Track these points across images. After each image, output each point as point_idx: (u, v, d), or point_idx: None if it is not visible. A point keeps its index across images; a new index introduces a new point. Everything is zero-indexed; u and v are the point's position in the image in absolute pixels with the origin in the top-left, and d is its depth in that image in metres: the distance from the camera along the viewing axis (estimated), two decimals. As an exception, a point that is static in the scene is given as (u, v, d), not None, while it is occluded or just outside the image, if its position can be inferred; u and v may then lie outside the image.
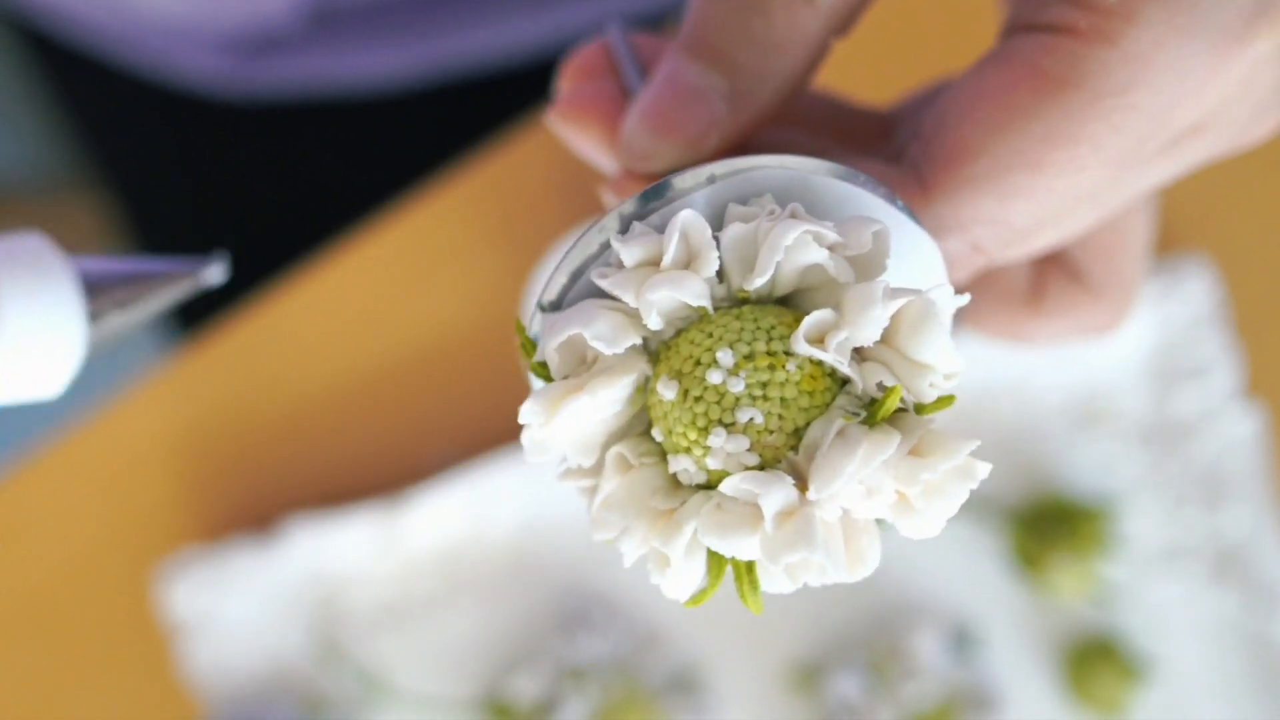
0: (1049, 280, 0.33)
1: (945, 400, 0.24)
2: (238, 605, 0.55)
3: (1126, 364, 0.53)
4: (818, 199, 0.25)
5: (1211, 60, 0.26)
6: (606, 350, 0.24)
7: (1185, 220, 0.54)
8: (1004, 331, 0.33)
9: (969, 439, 0.23)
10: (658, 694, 0.53)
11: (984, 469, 0.23)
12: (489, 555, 0.55)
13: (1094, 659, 0.52)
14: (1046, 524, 0.52)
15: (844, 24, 0.29)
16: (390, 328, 0.56)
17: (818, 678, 0.53)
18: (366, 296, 0.57)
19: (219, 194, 0.70)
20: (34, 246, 0.29)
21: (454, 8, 0.63)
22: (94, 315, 0.30)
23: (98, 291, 0.30)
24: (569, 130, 0.30)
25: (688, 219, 0.24)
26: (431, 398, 0.55)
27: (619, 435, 0.25)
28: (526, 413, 0.24)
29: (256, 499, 0.56)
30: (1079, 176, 0.27)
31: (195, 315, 0.66)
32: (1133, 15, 0.26)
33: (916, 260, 0.26)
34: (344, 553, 0.54)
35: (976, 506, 0.53)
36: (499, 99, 0.63)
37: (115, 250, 0.79)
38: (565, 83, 0.30)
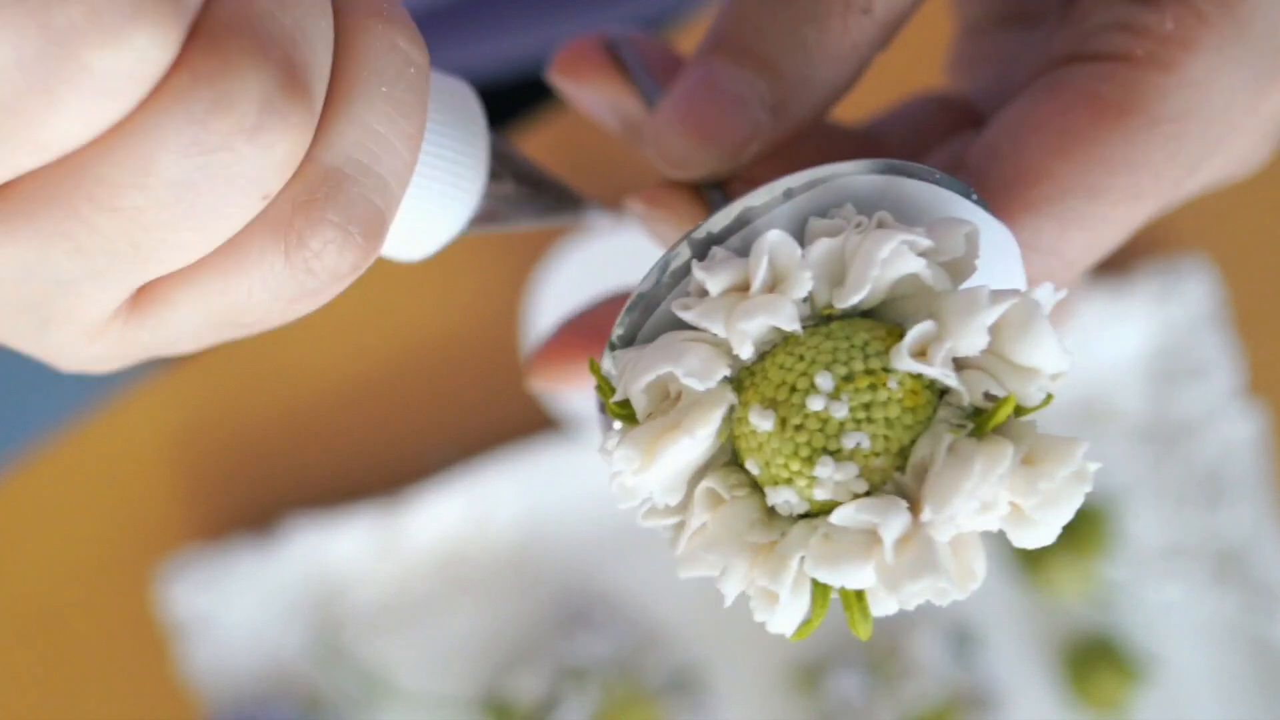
0: None
1: (1045, 400, 0.23)
2: (238, 605, 0.55)
3: (1126, 364, 0.53)
4: (894, 205, 0.24)
5: (1255, 92, 0.26)
6: (699, 386, 0.23)
7: (1185, 220, 0.54)
8: None
9: (1079, 441, 0.22)
10: (658, 694, 0.53)
11: (1094, 468, 0.22)
12: (489, 555, 0.55)
13: (1094, 659, 0.52)
14: (1047, 524, 0.52)
15: (891, 40, 0.29)
16: (390, 328, 0.56)
17: (818, 678, 0.53)
18: (367, 297, 0.57)
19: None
20: (460, 89, 0.26)
21: (462, 20, 0.63)
22: (495, 175, 0.27)
23: (504, 161, 0.27)
24: (571, 83, 0.30)
25: (775, 239, 0.23)
26: (431, 398, 0.55)
27: (704, 470, 0.24)
28: (621, 459, 0.23)
29: (256, 499, 0.56)
30: (1135, 205, 0.26)
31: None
32: (1190, 43, 0.26)
33: (995, 257, 0.25)
34: (344, 553, 0.54)
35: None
36: (500, 107, 0.63)
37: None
38: (564, 64, 0.30)
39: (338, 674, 0.55)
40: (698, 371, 0.23)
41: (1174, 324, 0.53)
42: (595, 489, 0.54)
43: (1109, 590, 0.52)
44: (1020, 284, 0.24)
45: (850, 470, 0.22)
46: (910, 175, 0.24)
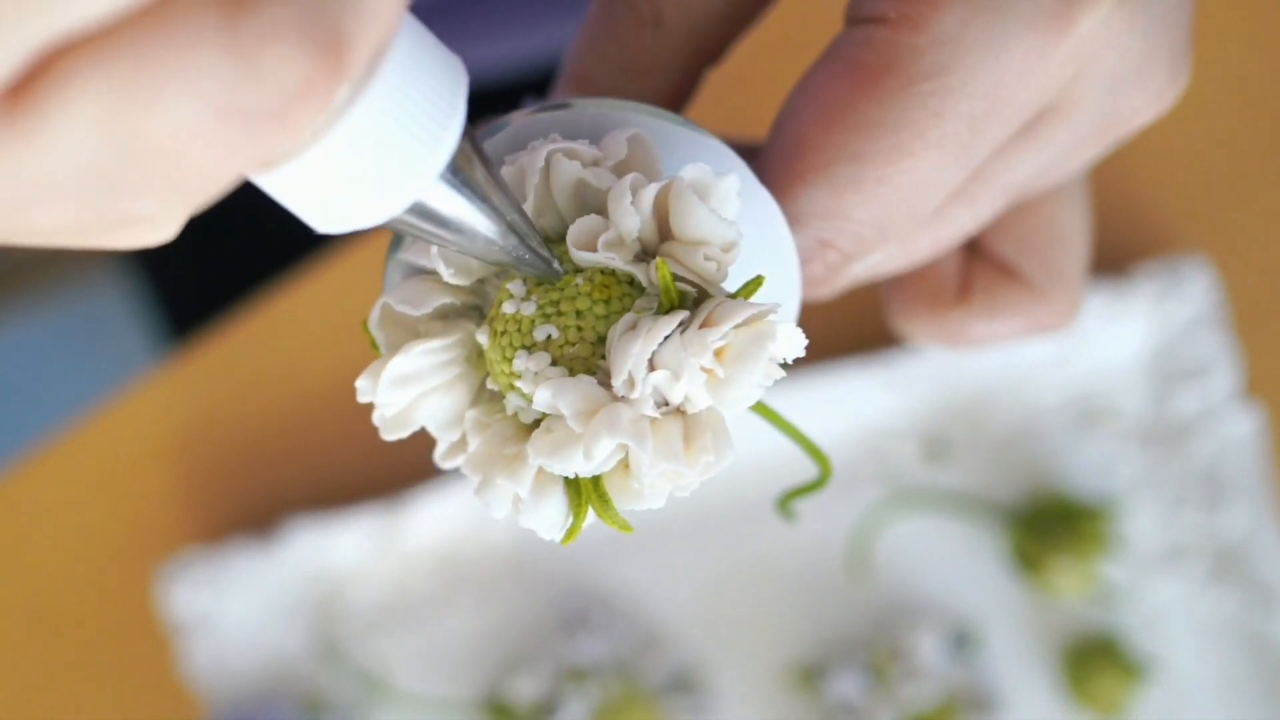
0: (975, 275, 0.34)
1: (755, 283, 0.24)
2: (238, 605, 0.55)
3: (1126, 364, 0.53)
4: (641, 147, 0.25)
5: (1032, 39, 0.26)
6: (414, 312, 0.25)
7: (1185, 220, 0.54)
8: (935, 327, 0.34)
9: (758, 304, 0.23)
10: (658, 694, 0.53)
11: (784, 328, 0.23)
12: (489, 555, 0.55)
13: (1094, 659, 0.52)
14: (1046, 524, 0.52)
15: (710, 53, 0.30)
16: (390, 328, 0.56)
17: (818, 678, 0.53)
18: (367, 296, 0.57)
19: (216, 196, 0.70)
20: (450, 59, 0.21)
21: (451, 26, 0.63)
22: (461, 170, 0.22)
23: (473, 164, 0.22)
24: None
25: None
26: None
27: (476, 404, 0.26)
28: (361, 390, 0.25)
29: (256, 499, 0.57)
30: (912, 164, 0.27)
31: (196, 315, 0.66)
32: (936, 0, 0.26)
33: (757, 202, 0.26)
34: (344, 553, 0.54)
35: (976, 506, 0.53)
36: (492, 109, 0.64)
37: (113, 255, 0.79)
38: None
39: (338, 674, 0.55)
40: (410, 299, 0.25)
41: (1173, 324, 0.53)
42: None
43: (1109, 590, 0.52)
44: (696, 166, 0.25)
45: (543, 360, 0.24)
46: (631, 111, 0.26)
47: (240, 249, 0.68)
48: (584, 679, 0.52)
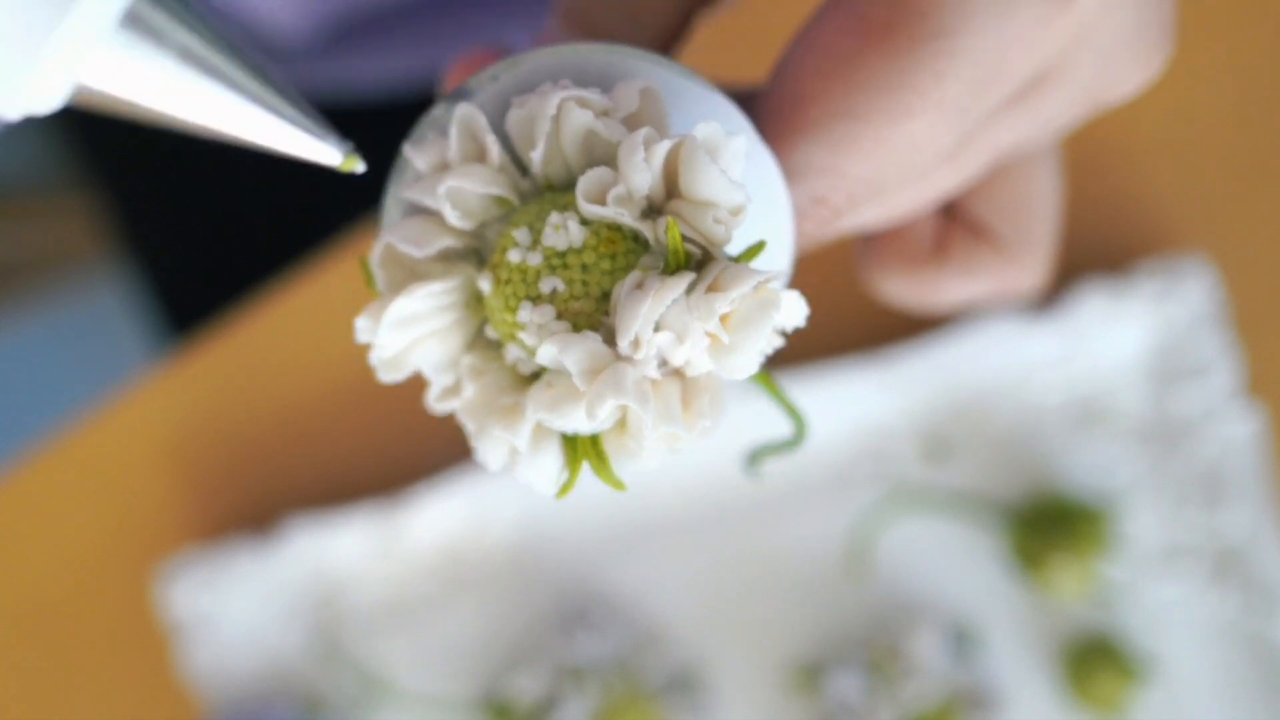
0: (952, 236, 0.34)
1: (756, 248, 0.24)
2: (238, 605, 0.55)
3: (1126, 364, 0.53)
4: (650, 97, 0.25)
5: (1037, 6, 0.26)
6: (417, 253, 0.24)
7: (1185, 220, 0.54)
8: (909, 285, 0.34)
9: (765, 271, 0.23)
10: (658, 694, 0.53)
11: (788, 296, 0.23)
12: (489, 555, 0.55)
13: (1094, 659, 0.52)
14: (1046, 524, 0.52)
15: None
16: (390, 328, 0.56)
17: (818, 678, 0.53)
18: (367, 297, 0.57)
19: (217, 196, 0.70)
20: None
21: (455, 19, 0.63)
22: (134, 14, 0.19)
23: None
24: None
25: (462, 113, 0.24)
26: (431, 398, 0.55)
27: (472, 349, 0.26)
28: (361, 330, 0.24)
29: (256, 499, 0.56)
30: (910, 124, 0.27)
31: (196, 315, 0.66)
32: None
33: (754, 163, 0.26)
34: (344, 553, 0.54)
35: (976, 506, 0.53)
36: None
37: (112, 254, 0.79)
38: (462, 69, 0.30)
39: (338, 674, 0.55)
40: (413, 239, 0.24)
41: (1174, 324, 0.53)
42: (595, 489, 0.54)
43: (1109, 590, 0.52)
44: (708, 124, 0.24)
45: (547, 312, 0.23)
46: (627, 58, 0.25)
47: (239, 249, 0.68)
48: (584, 678, 0.52)
